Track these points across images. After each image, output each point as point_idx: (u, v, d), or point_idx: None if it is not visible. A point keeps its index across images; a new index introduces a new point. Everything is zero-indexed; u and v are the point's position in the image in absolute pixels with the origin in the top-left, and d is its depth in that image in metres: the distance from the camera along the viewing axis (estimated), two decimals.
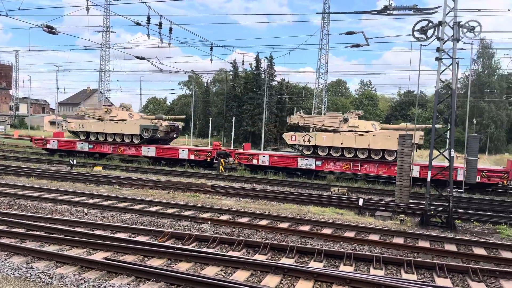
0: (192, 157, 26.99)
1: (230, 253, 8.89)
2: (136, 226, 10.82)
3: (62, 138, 32.52)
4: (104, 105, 37.80)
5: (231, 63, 60.50)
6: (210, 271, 7.61)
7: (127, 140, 28.80)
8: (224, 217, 12.44)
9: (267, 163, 25.16)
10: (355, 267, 8.37)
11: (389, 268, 8.37)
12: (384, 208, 14.72)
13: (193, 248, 8.92)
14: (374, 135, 22.89)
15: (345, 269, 8.07)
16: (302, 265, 8.08)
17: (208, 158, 26.68)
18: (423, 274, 8.14)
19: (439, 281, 7.66)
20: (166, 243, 9.27)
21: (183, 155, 27.26)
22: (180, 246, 9.04)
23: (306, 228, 11.56)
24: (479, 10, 11.17)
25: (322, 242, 10.16)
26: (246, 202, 15.48)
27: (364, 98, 70.81)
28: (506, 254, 9.79)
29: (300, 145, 24.63)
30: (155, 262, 8.05)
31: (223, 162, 26.01)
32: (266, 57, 53.96)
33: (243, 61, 46.01)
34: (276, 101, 58.48)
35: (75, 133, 30.95)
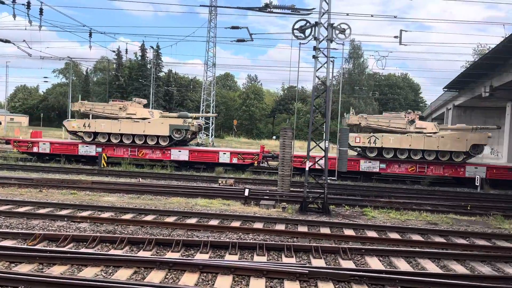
0: (235, 160, 24.31)
1: (112, 251, 8.45)
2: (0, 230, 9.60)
3: (56, 140, 27.35)
4: (113, 100, 29.57)
5: (114, 51, 57.18)
6: (89, 272, 7.14)
7: (150, 142, 24.93)
8: (105, 215, 11.74)
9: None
10: (240, 256, 8.63)
11: (271, 254, 8.82)
12: (268, 197, 15.45)
13: (69, 250, 8.26)
14: (442, 137, 22.98)
15: (230, 258, 8.28)
16: (188, 258, 8.07)
17: (255, 162, 24.59)
18: (301, 257, 8.76)
19: (315, 262, 8.32)
20: (37, 246, 8.41)
21: (224, 158, 24.32)
22: (53, 248, 8.28)
23: (193, 221, 11.55)
24: (347, 14, 12.30)
25: (209, 234, 10.26)
26: (130, 198, 14.85)
27: (251, 92, 73.12)
28: (370, 234, 11.05)
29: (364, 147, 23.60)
30: (24, 268, 7.25)
31: (105, 156, 24.47)
32: (152, 47, 52.21)
33: (126, 49, 43.81)
34: (164, 93, 57.04)
35: (75, 134, 26.17)
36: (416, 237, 10.88)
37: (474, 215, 14.39)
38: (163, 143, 24.75)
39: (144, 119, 25.04)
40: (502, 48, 19.56)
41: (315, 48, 13.21)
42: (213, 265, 7.43)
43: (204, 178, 21.63)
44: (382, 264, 8.47)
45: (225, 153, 24.59)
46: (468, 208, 15.55)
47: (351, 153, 25.47)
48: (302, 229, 11.27)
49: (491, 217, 14.00)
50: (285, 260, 8.44)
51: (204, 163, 24.98)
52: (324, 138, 14.17)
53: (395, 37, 12.98)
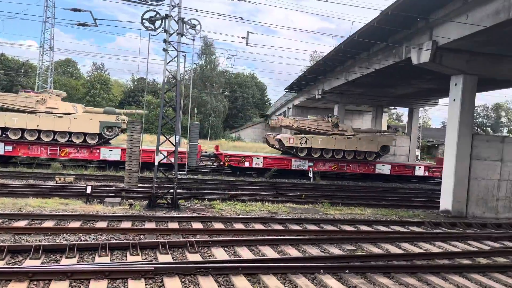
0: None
1: None
2: None
3: None
4: (25, 91, 23.04)
5: None
6: None
7: (76, 141, 21.97)
8: None
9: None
10: (79, 258, 7.96)
11: (116, 254, 8.38)
12: (113, 194, 14.62)
13: None
14: (360, 139, 25.99)
15: (67, 262, 7.57)
16: (14, 266, 7.08)
17: None
18: (148, 254, 8.54)
19: (161, 258, 8.21)
20: None
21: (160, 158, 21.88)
22: None
23: (22, 223, 10.19)
24: (196, 10, 12.42)
25: (42, 237, 9.19)
26: None
27: (96, 82, 67.95)
28: (217, 226, 11.45)
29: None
30: None
31: None
32: None
33: None
34: None
35: None
36: (259, 226, 11.71)
37: (307, 203, 16.20)
38: (91, 142, 22.44)
39: (67, 114, 22.30)
40: (332, 57, 22.43)
41: (165, 41, 12.98)
42: (45, 271, 6.67)
43: (38, 175, 19.27)
44: (227, 254, 8.86)
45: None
46: (303, 197, 17.42)
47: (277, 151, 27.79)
48: (150, 225, 11.01)
49: (320, 204, 15.96)
50: (130, 258, 8.11)
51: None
52: (175, 132, 14.05)
53: (243, 37, 13.64)
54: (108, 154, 22.74)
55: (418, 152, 47.29)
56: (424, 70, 16.90)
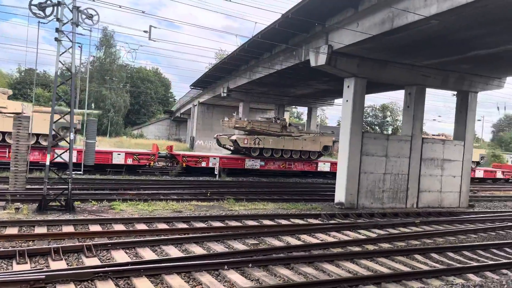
0: (129, 161, 23.20)
1: None
2: None
3: None
4: None
5: None
6: None
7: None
8: None
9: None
10: None
11: None
12: None
13: None
14: (305, 139, 27.78)
15: None
16: None
17: (151, 163, 24.23)
18: (38, 261, 7.84)
19: (54, 265, 7.60)
20: None
21: (118, 159, 22.94)
22: None
23: None
24: (94, 0, 11.66)
25: None
26: None
27: None
28: (118, 227, 10.93)
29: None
30: None
31: None
32: None
33: None
34: None
35: None
36: (162, 226, 11.45)
37: (212, 200, 16.28)
38: (45, 143, 20.69)
39: (17, 113, 20.07)
40: (236, 56, 22.80)
41: (57, 31, 11.95)
42: None
43: None
44: (128, 256, 8.52)
45: (119, 154, 23.17)
46: (208, 194, 17.46)
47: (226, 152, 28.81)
48: (41, 230, 10.10)
49: (225, 201, 16.16)
50: (17, 267, 7.37)
51: (96, 165, 20.73)
52: (69, 129, 13.04)
53: (145, 31, 13.16)
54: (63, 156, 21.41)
55: None
56: (322, 72, 18.05)
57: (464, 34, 12.77)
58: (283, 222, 13.29)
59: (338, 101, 35.49)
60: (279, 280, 7.79)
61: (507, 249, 11.59)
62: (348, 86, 17.31)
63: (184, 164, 24.73)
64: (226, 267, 8.01)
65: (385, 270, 8.85)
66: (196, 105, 45.09)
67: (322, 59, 16.07)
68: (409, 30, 12.38)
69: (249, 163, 26.73)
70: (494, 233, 13.79)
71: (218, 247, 9.68)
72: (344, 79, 17.47)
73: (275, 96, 33.28)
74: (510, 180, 36.29)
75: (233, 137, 26.95)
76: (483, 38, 12.97)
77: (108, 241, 9.22)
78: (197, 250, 9.36)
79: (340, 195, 17.34)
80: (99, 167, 22.26)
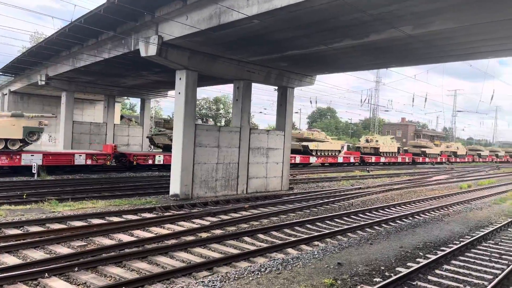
0: (89, 161, 24.11)
1: None
2: None
3: None
4: None
5: None
6: None
7: None
8: None
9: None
10: None
11: None
12: None
13: None
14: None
15: None
16: None
17: (108, 162, 25.15)
18: None
19: None
20: None
21: (80, 160, 23.70)
22: None
23: None
24: None
25: None
26: None
27: None
28: None
29: None
30: None
31: None
32: None
33: None
34: None
35: None
36: None
37: (30, 203, 14.38)
38: (13, 147, 21.58)
39: None
40: (55, 40, 20.40)
41: None
42: None
43: None
44: None
45: (80, 155, 24.03)
46: (24, 196, 15.35)
47: None
48: None
49: (46, 203, 14.47)
50: None
51: (58, 167, 23.10)
52: None
53: None
54: (29, 159, 21.85)
55: None
56: (153, 63, 17.67)
57: (282, 35, 14.19)
58: (115, 219, 12.65)
59: (172, 92, 35.42)
60: (109, 280, 7.42)
61: (319, 223, 13.51)
62: (180, 78, 17.40)
63: (135, 161, 26.60)
64: (47, 274, 7.21)
65: (217, 255, 9.29)
66: (6, 94, 38.86)
67: (152, 50, 15.73)
68: (235, 27, 13.12)
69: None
70: (308, 211, 15.89)
71: (37, 254, 8.64)
72: (176, 71, 17.50)
73: (104, 86, 31.16)
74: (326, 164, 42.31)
75: None
76: (298, 39, 14.65)
77: None
78: (10, 260, 8.16)
79: (175, 187, 17.41)
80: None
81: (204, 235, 11.20)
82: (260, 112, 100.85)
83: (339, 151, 45.73)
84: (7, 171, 22.33)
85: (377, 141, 53.14)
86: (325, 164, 43.18)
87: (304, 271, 8.41)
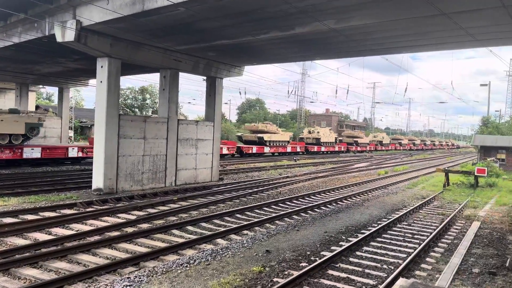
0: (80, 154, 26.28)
1: None
2: None
3: None
4: None
5: None
6: None
7: (1, 142, 22.80)
8: None
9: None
10: None
11: None
12: None
13: None
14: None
15: None
16: None
17: None
18: None
19: None
20: None
21: (72, 153, 26.15)
22: None
23: None
24: None
25: None
26: None
27: None
28: None
29: None
30: None
31: None
32: None
33: None
34: None
35: None
36: None
37: None
38: (16, 142, 23.75)
39: None
40: None
41: None
42: None
43: None
44: None
45: (73, 148, 26.10)
46: None
47: None
48: None
49: None
50: None
51: (53, 159, 25.43)
52: None
53: None
54: (30, 153, 23.69)
55: (71, 134, 46.43)
56: (72, 49, 16.47)
57: (209, 24, 13.98)
58: (30, 217, 11.70)
59: (93, 81, 33.45)
60: (24, 283, 6.86)
61: (248, 213, 13.68)
62: (101, 66, 16.46)
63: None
64: None
65: (144, 250, 9.01)
66: None
67: (70, 35, 14.66)
68: (160, 14, 12.65)
69: None
70: (238, 201, 16.01)
71: None
72: (97, 58, 16.52)
73: (15, 73, 28.48)
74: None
75: None
76: (226, 29, 14.53)
77: None
78: None
79: (98, 181, 16.53)
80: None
81: (130, 230, 10.80)
82: (189, 102, 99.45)
83: (288, 142, 49.96)
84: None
85: (318, 132, 57.69)
86: (275, 154, 46.36)
87: (234, 260, 8.46)
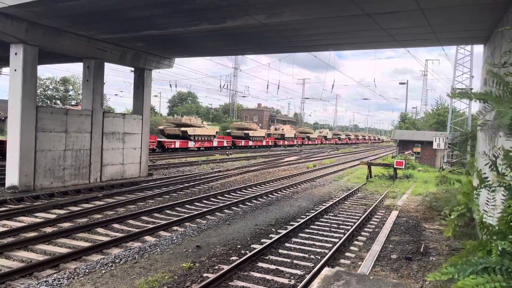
0: None
1: None
2: None
3: None
4: None
5: None
6: None
7: None
8: None
9: None
10: None
11: None
12: None
13: None
14: None
15: None
16: None
17: None
18: None
19: None
20: None
21: None
22: None
23: None
24: None
25: None
26: None
27: None
28: None
29: None
30: None
31: None
32: None
33: None
34: None
35: None
36: None
37: None
38: None
39: None
40: None
41: None
42: None
43: None
44: None
45: None
46: None
47: None
48: None
49: None
50: None
51: None
52: None
53: None
54: None
55: None
56: None
57: (138, 13, 13.36)
58: None
59: (6, 70, 30.61)
60: None
61: (178, 208, 13.40)
62: (16, 54, 15.09)
63: None
64: None
65: (64, 251, 8.44)
66: None
67: None
68: None
69: None
70: (168, 196, 15.63)
71: None
72: (11, 44, 15.11)
73: None
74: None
75: None
76: (155, 19, 14.00)
77: None
78: None
79: (12, 178, 15.19)
80: None
81: (49, 230, 10.06)
82: (116, 94, 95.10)
83: (214, 136, 48.19)
84: None
85: (248, 126, 57.27)
86: (201, 149, 44.74)
87: (162, 257, 8.24)
